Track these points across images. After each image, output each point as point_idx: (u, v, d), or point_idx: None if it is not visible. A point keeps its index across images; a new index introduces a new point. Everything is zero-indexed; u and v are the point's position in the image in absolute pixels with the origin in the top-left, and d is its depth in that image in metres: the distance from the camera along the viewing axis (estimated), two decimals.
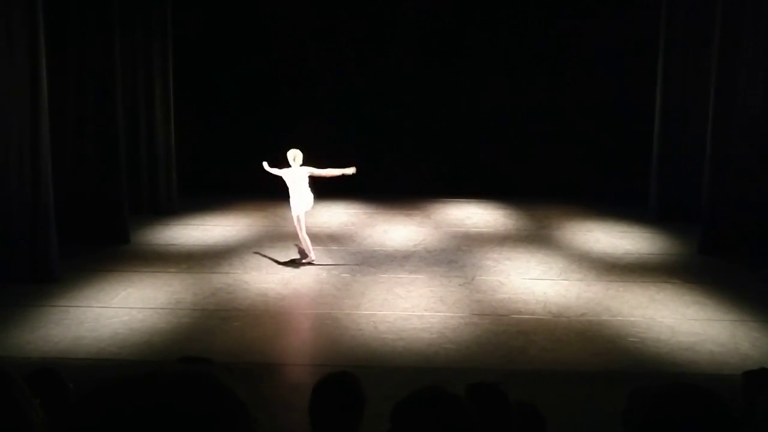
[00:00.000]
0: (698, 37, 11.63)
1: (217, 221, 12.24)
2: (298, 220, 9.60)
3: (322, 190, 13.73)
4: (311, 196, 9.67)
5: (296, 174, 9.51)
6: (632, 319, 7.89)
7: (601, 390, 6.18)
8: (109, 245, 10.36)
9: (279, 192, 13.16)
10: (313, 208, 9.89)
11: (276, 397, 5.79)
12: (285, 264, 9.82)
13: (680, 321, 7.81)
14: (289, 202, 9.73)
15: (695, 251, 10.40)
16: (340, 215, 12.69)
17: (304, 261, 9.81)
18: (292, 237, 11.20)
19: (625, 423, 2.35)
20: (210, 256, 10.21)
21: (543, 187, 14.00)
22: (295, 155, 9.51)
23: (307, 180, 9.57)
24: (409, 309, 8.14)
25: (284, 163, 9.63)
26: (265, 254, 10.28)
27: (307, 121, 14.45)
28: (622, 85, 13.81)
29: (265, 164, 9.82)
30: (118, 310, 8.01)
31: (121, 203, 10.76)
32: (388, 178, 14.25)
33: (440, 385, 1.97)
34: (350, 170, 9.73)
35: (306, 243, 9.72)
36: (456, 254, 10.34)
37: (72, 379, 3.68)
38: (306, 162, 9.62)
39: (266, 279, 9.20)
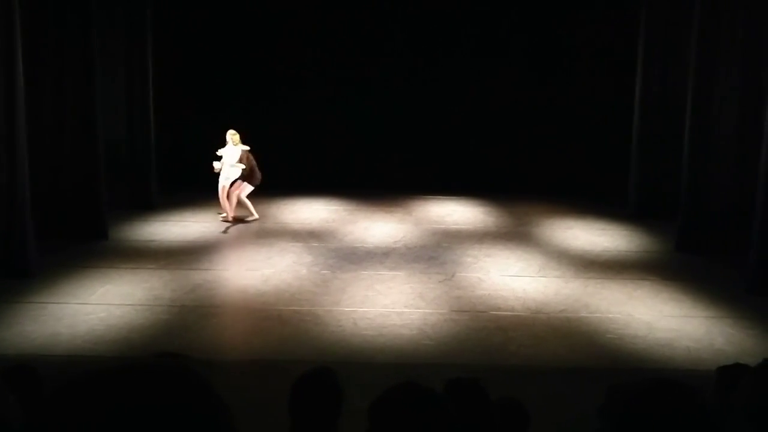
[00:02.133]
0: (677, 36, 11.74)
1: (196, 217, 12.16)
2: (224, 187, 11.74)
3: (303, 185, 13.75)
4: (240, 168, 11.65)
5: (232, 151, 11.60)
6: (610, 315, 7.96)
7: (580, 386, 6.23)
8: (87, 241, 10.26)
9: (261, 189, 13.15)
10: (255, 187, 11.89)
11: (255, 393, 5.77)
12: (265, 260, 9.79)
13: (657, 318, 7.89)
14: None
15: (672, 248, 10.51)
16: (320, 212, 12.67)
17: (222, 218, 11.84)
18: (273, 234, 11.19)
19: (603, 417, 2.37)
20: (189, 252, 10.15)
21: (522, 185, 14.06)
22: (232, 135, 11.61)
23: (238, 156, 11.60)
24: (389, 305, 8.15)
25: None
26: (245, 251, 10.24)
27: (287, 116, 14.41)
28: (602, 84, 13.91)
29: (216, 165, 11.63)
30: (95, 306, 7.95)
31: (100, 199, 10.66)
32: (368, 175, 14.25)
33: (416, 380, 1.98)
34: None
35: (232, 205, 11.77)
36: (436, 251, 10.36)
37: (48, 376, 3.65)
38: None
39: (246, 275, 9.17)
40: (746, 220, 9.06)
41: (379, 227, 11.68)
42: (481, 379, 3.05)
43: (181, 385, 0.95)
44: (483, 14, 14.47)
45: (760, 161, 8.61)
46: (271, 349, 7.12)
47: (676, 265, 9.84)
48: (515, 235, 11.34)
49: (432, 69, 14.54)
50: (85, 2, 10.28)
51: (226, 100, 14.51)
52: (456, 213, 12.80)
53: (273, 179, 13.89)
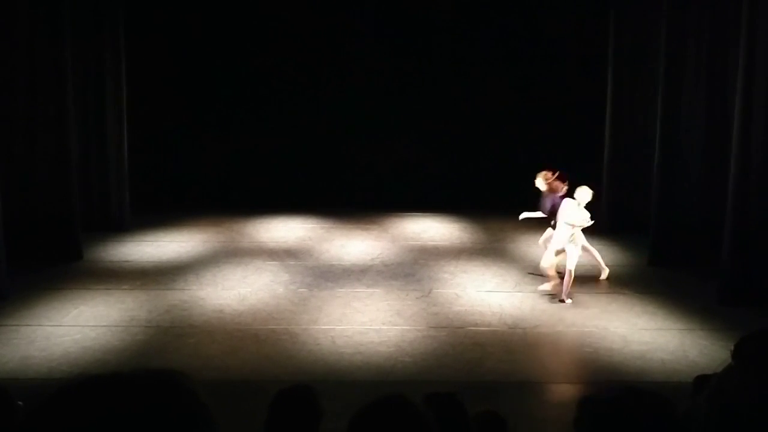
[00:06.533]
0: (646, 50, 11.91)
1: (171, 237, 12.08)
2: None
3: (279, 203, 13.72)
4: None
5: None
6: (586, 329, 8.02)
7: (557, 399, 6.28)
8: (60, 262, 10.13)
9: (236, 208, 13.07)
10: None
11: (231, 414, 5.72)
12: (241, 279, 9.74)
13: (632, 331, 7.97)
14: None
15: (645, 262, 10.64)
16: (296, 230, 12.64)
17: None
18: (249, 253, 11.13)
19: (578, 430, 2.39)
20: (164, 272, 10.06)
21: (498, 201, 14.14)
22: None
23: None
24: (366, 323, 8.15)
25: None
26: (221, 270, 10.18)
27: (261, 135, 14.41)
28: (574, 101, 14.07)
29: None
30: (69, 328, 7.85)
31: (73, 219, 10.54)
32: (344, 193, 14.27)
33: (400, 393, 1.98)
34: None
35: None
36: (413, 268, 10.39)
37: (21, 400, 3.60)
38: None
39: (222, 295, 9.11)
40: (717, 233, 9.21)
41: (355, 245, 11.68)
42: (458, 393, 3.07)
43: (167, 391, 0.96)
44: (454, 33, 14.62)
45: (729, 175, 8.78)
46: (248, 368, 7.08)
47: (649, 278, 9.96)
48: (491, 251, 11.41)
49: (408, 87, 14.63)
50: (56, 23, 10.18)
51: (198, 119, 14.48)
52: (432, 229, 12.84)
53: (248, 197, 13.89)
